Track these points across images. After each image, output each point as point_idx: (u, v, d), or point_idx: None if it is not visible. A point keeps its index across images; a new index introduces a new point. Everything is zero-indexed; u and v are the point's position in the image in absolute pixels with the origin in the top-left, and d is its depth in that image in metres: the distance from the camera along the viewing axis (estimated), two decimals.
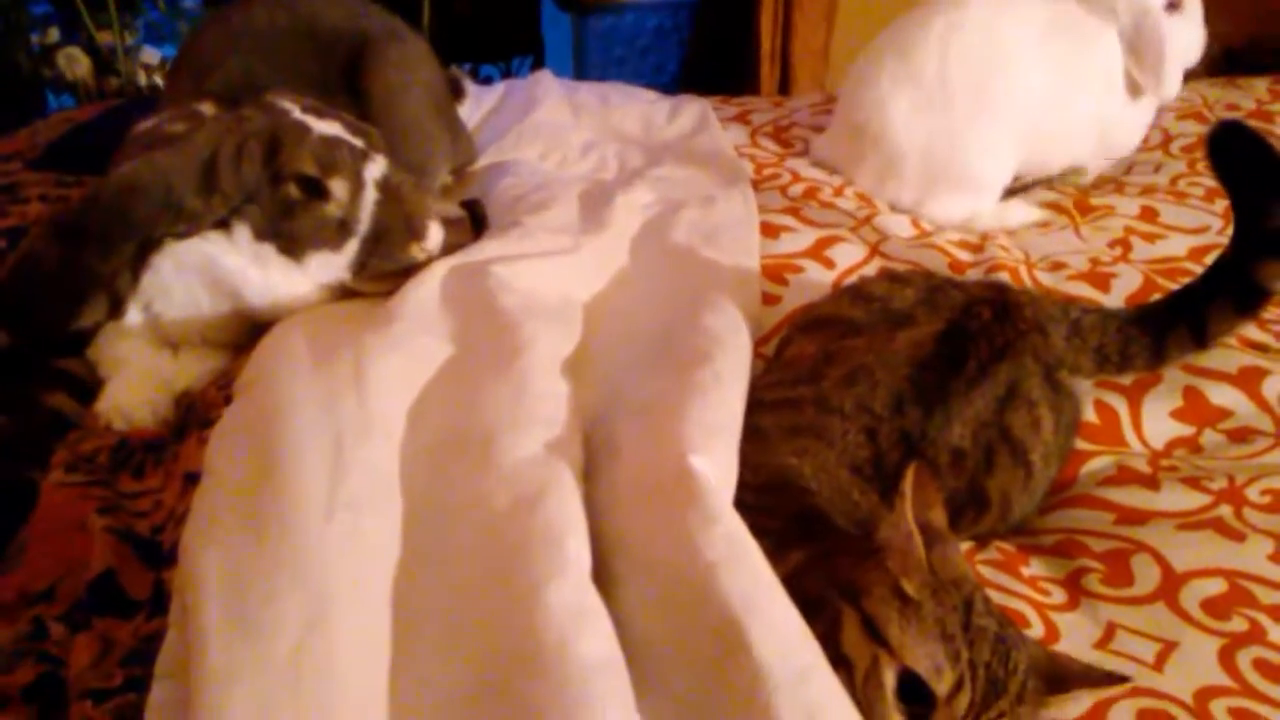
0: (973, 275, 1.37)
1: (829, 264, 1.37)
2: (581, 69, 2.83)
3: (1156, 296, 1.26)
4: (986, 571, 0.89)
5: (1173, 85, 1.54)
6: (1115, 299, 1.29)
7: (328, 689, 0.64)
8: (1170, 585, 0.88)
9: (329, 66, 1.41)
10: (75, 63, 2.42)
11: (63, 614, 0.81)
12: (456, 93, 1.78)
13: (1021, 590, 0.88)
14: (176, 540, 0.80)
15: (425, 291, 1.10)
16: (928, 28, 1.54)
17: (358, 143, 1.14)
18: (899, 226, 1.51)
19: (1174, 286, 1.29)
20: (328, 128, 1.13)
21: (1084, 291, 1.31)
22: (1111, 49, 1.54)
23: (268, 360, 0.98)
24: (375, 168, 1.14)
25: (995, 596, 0.84)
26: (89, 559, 0.85)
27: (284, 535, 0.72)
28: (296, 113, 1.13)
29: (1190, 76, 1.57)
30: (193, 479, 0.87)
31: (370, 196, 1.13)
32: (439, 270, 1.14)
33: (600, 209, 1.41)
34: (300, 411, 0.84)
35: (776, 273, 1.34)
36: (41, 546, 0.88)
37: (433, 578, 0.74)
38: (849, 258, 1.39)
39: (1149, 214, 1.52)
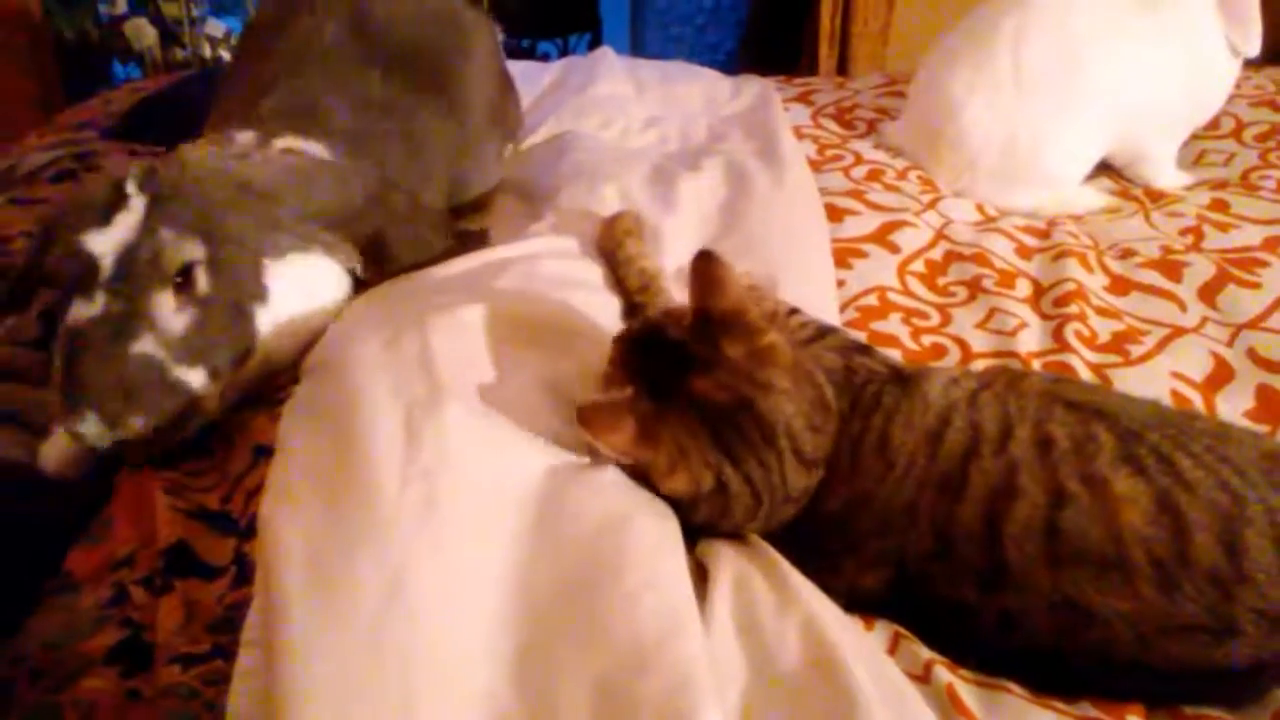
0: (1039, 260, 1.36)
1: (893, 249, 1.36)
2: (638, 47, 2.83)
3: (1231, 287, 1.25)
4: None
5: (1258, 39, 1.52)
6: (1187, 288, 1.27)
7: (409, 656, 0.65)
8: None
9: (395, 77, 1.34)
10: (142, 33, 2.45)
11: (143, 578, 0.83)
12: None
13: None
14: (251, 510, 0.82)
15: (481, 269, 1.12)
16: (998, 30, 1.52)
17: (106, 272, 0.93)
18: (964, 210, 1.50)
19: (1248, 277, 1.27)
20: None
21: (1155, 280, 1.29)
22: (1195, 7, 1.51)
23: (337, 342, 0.99)
24: (83, 309, 0.92)
25: None
26: (160, 530, 0.87)
27: (361, 505, 0.73)
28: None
29: (1259, 64, 1.55)
30: (263, 452, 0.89)
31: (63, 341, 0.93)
32: (498, 254, 1.16)
33: (666, 196, 1.41)
34: (371, 389, 0.85)
35: (840, 257, 1.33)
36: (123, 516, 0.90)
37: (542, 566, 0.75)
38: (914, 242, 1.37)
39: (1219, 205, 1.49)
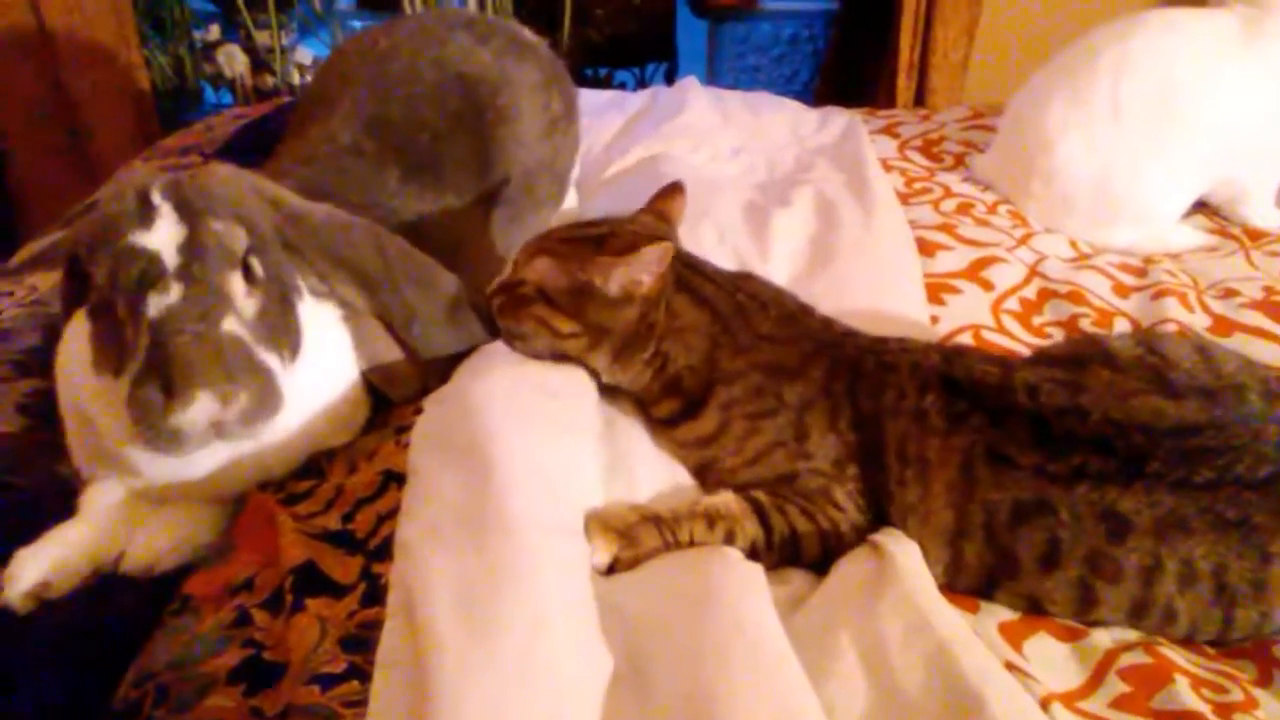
0: (1137, 299, 1.35)
1: (987, 285, 1.35)
2: (714, 76, 2.85)
3: None
4: (1170, 653, 0.84)
5: None
6: None
7: (554, 687, 0.69)
8: None
9: (412, 178, 1.27)
10: (233, 59, 2.51)
11: (263, 601, 0.85)
12: None
13: (1213, 666, 0.84)
14: (384, 531, 0.85)
15: None
16: (1096, 62, 1.50)
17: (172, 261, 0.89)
18: (1057, 246, 1.49)
19: None
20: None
21: (1259, 321, 1.27)
22: None
23: (466, 377, 1.00)
24: (160, 300, 0.87)
25: (1184, 679, 0.80)
26: (286, 550, 0.88)
27: (508, 549, 0.76)
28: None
29: None
30: (392, 477, 0.91)
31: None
32: None
33: (761, 231, 1.42)
34: (514, 439, 0.88)
35: (933, 293, 1.33)
36: (245, 538, 0.92)
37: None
38: (1008, 279, 1.37)
39: None
